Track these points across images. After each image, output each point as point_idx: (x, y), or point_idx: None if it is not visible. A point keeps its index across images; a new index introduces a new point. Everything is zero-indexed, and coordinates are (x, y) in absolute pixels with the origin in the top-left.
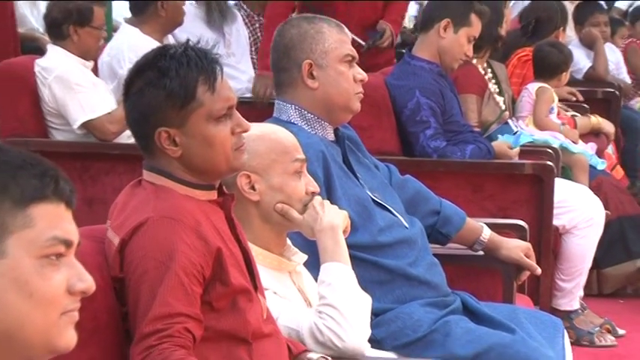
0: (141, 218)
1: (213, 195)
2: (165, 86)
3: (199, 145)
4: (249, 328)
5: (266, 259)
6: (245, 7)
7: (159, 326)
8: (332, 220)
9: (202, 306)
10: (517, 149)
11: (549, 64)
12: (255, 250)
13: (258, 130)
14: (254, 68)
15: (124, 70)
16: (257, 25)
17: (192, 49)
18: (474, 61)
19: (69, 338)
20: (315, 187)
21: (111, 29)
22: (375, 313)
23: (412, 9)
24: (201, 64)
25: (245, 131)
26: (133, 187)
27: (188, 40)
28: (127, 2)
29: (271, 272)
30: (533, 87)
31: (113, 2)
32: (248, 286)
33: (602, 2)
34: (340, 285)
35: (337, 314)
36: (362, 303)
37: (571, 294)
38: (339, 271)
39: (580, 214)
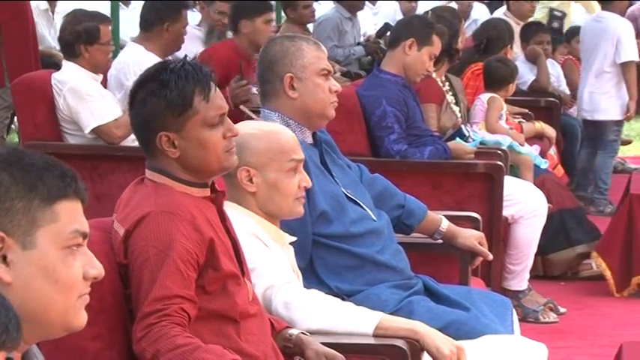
0: (143, 212)
1: (206, 192)
2: (166, 96)
3: (195, 147)
4: (237, 308)
5: (265, 227)
6: None
7: (158, 306)
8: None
9: (196, 289)
10: (473, 148)
11: (497, 77)
12: (255, 219)
13: (263, 128)
14: None
15: (130, 81)
16: None
17: (190, 64)
18: (434, 74)
19: (82, 318)
20: (307, 182)
21: (118, 46)
22: (348, 294)
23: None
24: (197, 77)
25: (235, 135)
26: (136, 184)
27: (186, 56)
28: (132, 24)
29: (269, 240)
30: (484, 97)
31: (120, 23)
32: (236, 271)
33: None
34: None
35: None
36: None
37: (520, 275)
38: (368, 315)
39: (526, 205)
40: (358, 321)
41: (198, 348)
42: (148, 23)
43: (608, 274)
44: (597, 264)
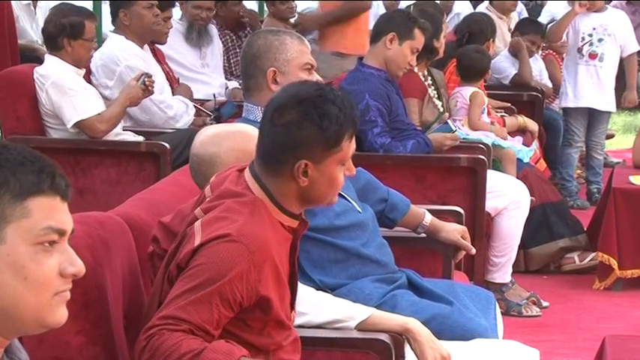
0: (225, 230)
1: (295, 223)
2: (325, 129)
3: (325, 182)
4: (272, 348)
5: None
6: (216, 22)
7: (168, 321)
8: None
9: (236, 321)
10: (453, 135)
11: (480, 69)
12: None
13: (231, 143)
14: (225, 76)
15: (121, 66)
16: (227, 38)
17: (346, 98)
18: (415, 68)
19: (60, 315)
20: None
21: (101, 42)
22: (332, 288)
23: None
24: (351, 117)
25: (350, 176)
26: (238, 177)
27: (340, 87)
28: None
29: None
30: (466, 93)
31: (103, 17)
32: (284, 319)
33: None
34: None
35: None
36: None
37: (504, 268)
38: (355, 309)
39: (509, 197)
40: (350, 314)
41: (203, 350)
42: (113, 15)
43: (617, 270)
44: (609, 263)
